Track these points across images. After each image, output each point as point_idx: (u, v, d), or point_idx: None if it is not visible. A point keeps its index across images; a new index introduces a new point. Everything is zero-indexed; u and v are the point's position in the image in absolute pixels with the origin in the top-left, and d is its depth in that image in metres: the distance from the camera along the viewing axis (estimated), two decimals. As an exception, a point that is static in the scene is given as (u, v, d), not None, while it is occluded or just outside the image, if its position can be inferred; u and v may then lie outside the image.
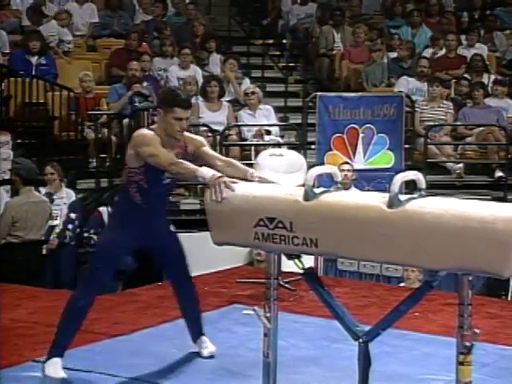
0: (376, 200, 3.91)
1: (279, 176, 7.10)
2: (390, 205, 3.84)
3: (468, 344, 3.78)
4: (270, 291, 4.30)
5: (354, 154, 9.11)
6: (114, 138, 9.53)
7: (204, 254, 8.28)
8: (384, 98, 9.51)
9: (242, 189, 4.30)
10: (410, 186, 4.18)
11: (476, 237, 3.65)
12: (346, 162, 8.85)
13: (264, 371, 4.29)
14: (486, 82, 10.88)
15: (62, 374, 4.70)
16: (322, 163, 9.08)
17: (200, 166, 4.61)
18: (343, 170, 8.72)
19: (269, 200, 4.14)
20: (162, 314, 6.08)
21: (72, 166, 9.26)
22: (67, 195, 8.67)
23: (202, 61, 11.14)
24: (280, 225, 4.06)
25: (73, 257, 8.71)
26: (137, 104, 9.58)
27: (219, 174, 4.36)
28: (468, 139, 10.07)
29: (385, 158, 9.16)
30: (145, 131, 4.82)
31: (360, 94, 9.89)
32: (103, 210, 8.68)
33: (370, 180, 9.02)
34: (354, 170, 8.67)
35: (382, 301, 6.51)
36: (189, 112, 4.78)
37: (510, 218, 3.64)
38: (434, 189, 8.55)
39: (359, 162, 9.03)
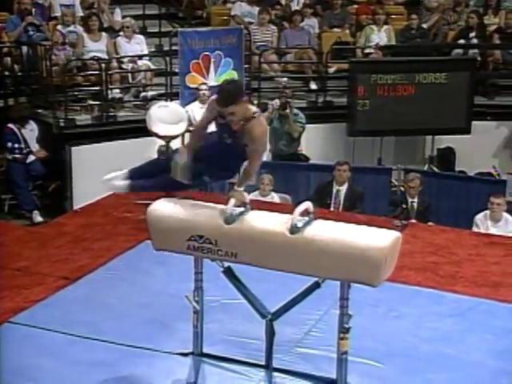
0: (281, 226, 3.86)
1: (167, 127, 6.85)
2: (292, 232, 3.83)
3: (347, 326, 3.93)
4: (198, 282, 4.25)
5: (208, 74, 8.90)
6: (16, 66, 8.77)
7: (102, 166, 7.76)
8: (228, 30, 9.19)
9: (178, 210, 4.09)
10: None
11: (355, 259, 3.73)
12: (204, 83, 8.72)
13: (194, 338, 4.30)
14: (296, 7, 10.49)
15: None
16: (184, 83, 8.82)
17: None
18: (201, 90, 8.59)
19: (199, 221, 3.98)
20: (89, 247, 5.78)
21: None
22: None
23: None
24: (207, 240, 3.96)
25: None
26: (31, 33, 8.85)
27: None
28: (288, 56, 9.86)
29: (231, 76, 8.88)
30: None
31: (210, 28, 9.50)
32: (12, 125, 8.30)
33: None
34: (210, 88, 8.46)
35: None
36: (226, 108, 3.82)
37: (379, 247, 3.73)
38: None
39: (212, 80, 8.83)
